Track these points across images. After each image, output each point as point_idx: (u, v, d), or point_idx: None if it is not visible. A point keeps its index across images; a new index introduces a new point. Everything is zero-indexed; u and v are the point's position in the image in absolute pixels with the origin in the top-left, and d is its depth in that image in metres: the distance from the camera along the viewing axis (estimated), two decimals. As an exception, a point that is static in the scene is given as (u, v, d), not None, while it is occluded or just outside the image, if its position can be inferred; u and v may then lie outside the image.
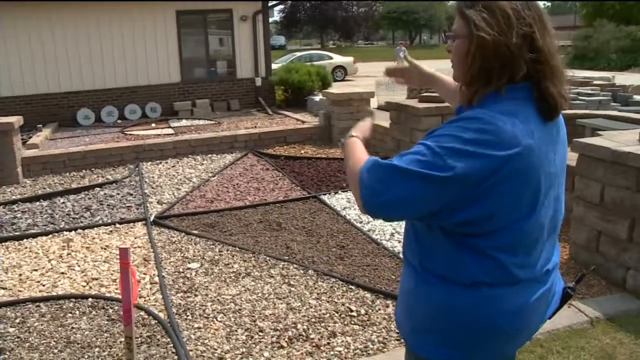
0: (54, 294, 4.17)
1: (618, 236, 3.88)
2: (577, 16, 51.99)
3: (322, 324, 3.57)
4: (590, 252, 4.15)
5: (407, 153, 1.40)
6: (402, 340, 3.32)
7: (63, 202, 6.61)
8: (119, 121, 12.89)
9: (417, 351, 1.61)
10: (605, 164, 3.93)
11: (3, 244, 5.28)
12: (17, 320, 3.75)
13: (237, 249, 4.91)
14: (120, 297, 4.03)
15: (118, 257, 4.78)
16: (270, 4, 14.79)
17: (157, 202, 6.49)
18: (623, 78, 19.03)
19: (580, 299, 3.71)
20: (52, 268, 4.67)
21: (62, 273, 4.56)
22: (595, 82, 15.11)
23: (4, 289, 4.27)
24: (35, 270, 4.64)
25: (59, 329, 3.64)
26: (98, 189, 7.19)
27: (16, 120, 7.77)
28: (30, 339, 3.51)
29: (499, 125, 1.35)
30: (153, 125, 12.17)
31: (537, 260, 1.52)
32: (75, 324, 3.70)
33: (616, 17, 36.25)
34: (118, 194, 6.91)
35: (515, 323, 1.51)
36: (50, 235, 5.47)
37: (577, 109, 10.55)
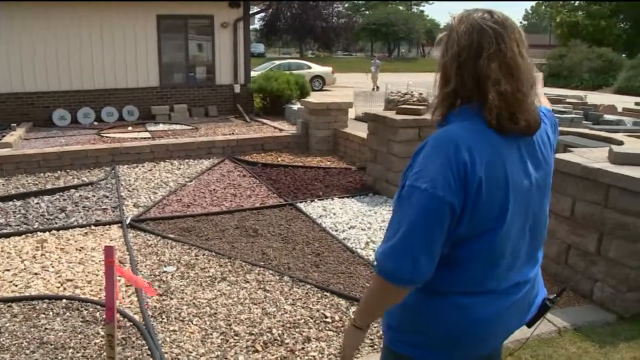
0: (27, 294, 4.14)
1: (587, 249, 4.00)
2: (552, 36, 53.03)
3: (297, 329, 3.61)
4: (559, 264, 4.26)
5: None
6: (376, 347, 3.38)
7: (37, 203, 6.55)
8: (96, 123, 12.80)
9: (393, 347, 1.69)
10: (576, 179, 4.05)
11: (-25, 243, 5.22)
12: (-11, 320, 3.72)
13: (214, 253, 4.93)
14: (95, 298, 4.03)
15: (93, 257, 4.77)
16: (251, 11, 14.85)
17: (134, 205, 6.46)
18: (595, 97, 19.49)
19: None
20: (25, 268, 4.63)
21: (36, 274, 4.52)
22: (568, 100, 15.45)
23: (-24, 288, 4.23)
24: (8, 270, 4.59)
25: (32, 329, 3.61)
26: (73, 190, 7.13)
27: (-9, 118, 7.68)
28: (1, 339, 3.48)
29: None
30: (130, 128, 12.11)
31: (507, 272, 1.59)
32: (49, 324, 3.68)
33: (589, 38, 37.17)
34: (94, 196, 6.86)
35: (482, 331, 1.60)
36: (24, 236, 5.42)
37: (550, 126, 10.77)
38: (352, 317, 1.65)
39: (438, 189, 1.42)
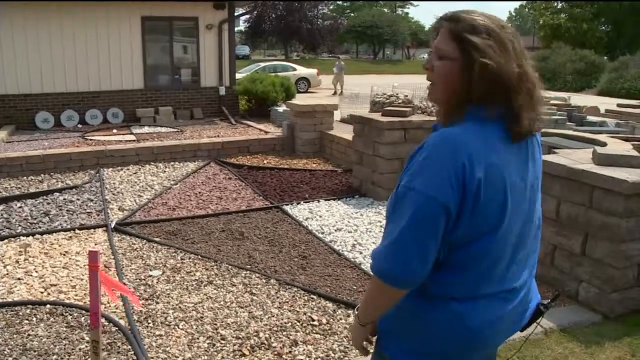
0: (10, 300, 4.09)
1: (572, 250, 4.02)
2: (535, 38, 53.50)
3: (284, 333, 3.60)
4: (545, 265, 4.28)
5: None
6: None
7: (20, 207, 6.47)
8: (80, 126, 12.70)
9: (386, 353, 1.67)
10: (561, 180, 4.07)
11: (-43, 248, 5.14)
12: (-28, 326, 3.66)
13: (199, 257, 4.90)
14: (79, 303, 3.99)
15: (78, 262, 4.72)
16: (236, 13, 14.81)
17: (118, 209, 6.41)
18: (578, 99, 19.67)
19: (535, 311, 3.83)
20: (7, 274, 4.57)
21: (19, 279, 4.46)
22: (552, 101, 15.56)
23: (-43, 293, 4.17)
24: (-10, 275, 4.53)
25: (15, 336, 3.56)
26: (57, 193, 7.05)
27: (-27, 121, 7.59)
28: (-15, 345, 3.44)
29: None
30: (114, 131, 12.03)
31: (503, 276, 1.58)
32: (32, 330, 3.63)
33: (572, 41, 37.56)
34: (78, 199, 6.80)
35: (478, 339, 1.58)
36: (6, 240, 5.35)
37: (534, 127, 10.85)
38: (356, 312, 1.68)
39: (433, 190, 1.42)
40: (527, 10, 66.34)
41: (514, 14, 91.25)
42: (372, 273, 1.53)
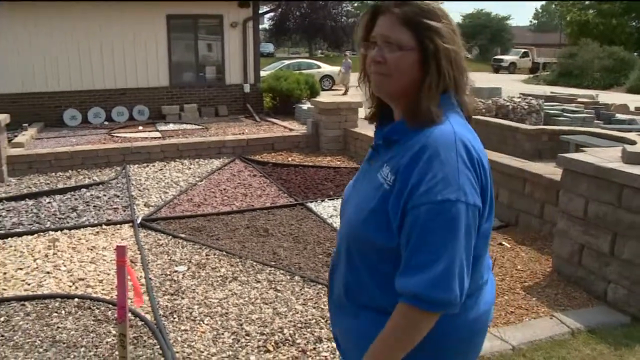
0: (40, 293, 4.16)
1: (600, 250, 3.96)
2: (562, 34, 52.75)
3: (309, 329, 3.60)
4: (572, 265, 4.23)
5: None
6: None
7: (49, 202, 6.58)
8: (106, 123, 12.86)
9: None
10: (589, 179, 4.01)
11: (-12, 242, 5.25)
12: (2, 319, 3.73)
13: (224, 253, 4.93)
14: (106, 297, 4.05)
15: (105, 257, 4.79)
16: (261, 11, 14.86)
17: (144, 205, 6.48)
18: (606, 97, 19.36)
19: (562, 310, 3.78)
20: (37, 267, 4.65)
21: (48, 272, 4.54)
22: (580, 99, 15.36)
23: (-12, 287, 4.25)
24: (20, 269, 4.61)
25: (44, 328, 3.63)
26: (84, 189, 7.16)
27: (3, 118, 7.73)
28: (14, 337, 3.50)
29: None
30: (140, 128, 12.16)
31: (487, 257, 1.59)
32: (61, 323, 3.69)
33: (600, 37, 36.91)
34: (105, 195, 6.89)
35: (487, 321, 1.58)
36: (36, 235, 5.44)
37: (562, 125, 10.72)
38: None
39: (468, 195, 1.32)
40: (553, 6, 65.37)
41: (540, 10, 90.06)
42: (419, 307, 1.33)
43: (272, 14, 43.09)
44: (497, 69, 45.33)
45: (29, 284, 4.32)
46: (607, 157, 4.14)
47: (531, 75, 38.38)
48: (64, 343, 3.43)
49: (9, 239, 5.34)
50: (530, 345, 3.33)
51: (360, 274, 1.50)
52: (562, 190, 4.37)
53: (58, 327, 3.63)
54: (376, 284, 1.47)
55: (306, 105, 13.23)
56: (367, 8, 1.51)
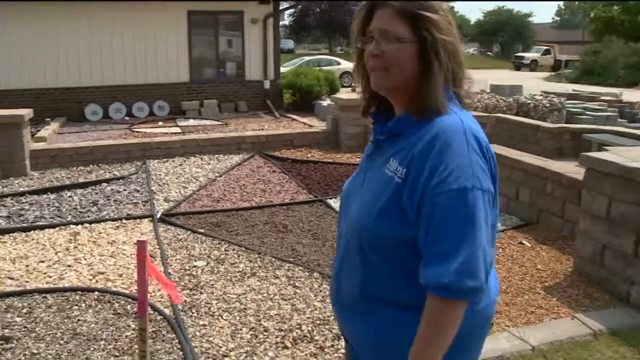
0: (61, 286, 4.20)
1: (624, 251, 3.90)
2: (585, 31, 52.06)
3: (327, 326, 3.59)
4: (594, 265, 4.17)
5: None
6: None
7: (70, 196, 6.65)
8: (127, 118, 12.95)
9: None
10: (613, 178, 3.95)
11: (11, 234, 5.31)
12: (24, 311, 3.78)
13: (243, 249, 4.94)
14: (125, 291, 4.08)
15: (124, 251, 4.82)
16: (281, 7, 14.86)
17: (164, 200, 6.52)
18: (630, 95, 19.05)
19: (583, 311, 3.73)
20: (58, 260, 4.70)
21: (69, 266, 4.59)
22: (603, 97, 15.15)
23: (11, 279, 4.31)
24: (42, 261, 4.67)
25: (65, 320, 3.67)
26: (105, 184, 7.22)
27: (26, 113, 7.82)
28: (36, 329, 3.54)
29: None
30: (160, 123, 12.23)
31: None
32: (82, 316, 3.72)
33: (625, 34, 36.34)
34: (125, 190, 6.94)
35: (495, 306, 1.59)
36: (57, 228, 5.50)
37: (584, 124, 10.58)
38: None
39: (482, 182, 1.34)
40: (577, 3, 64.55)
41: (563, 7, 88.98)
42: (449, 297, 1.32)
43: (292, 10, 43.09)
44: (518, 66, 44.90)
45: (50, 277, 4.37)
46: (631, 156, 4.07)
47: (553, 73, 37.94)
48: (84, 336, 3.47)
49: (32, 232, 5.40)
50: (551, 345, 3.29)
51: (378, 269, 1.49)
52: (584, 190, 4.31)
53: (78, 320, 3.67)
54: (396, 276, 1.46)
55: (326, 102, 13.21)
56: (363, 3, 1.51)
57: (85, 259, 4.73)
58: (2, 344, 3.35)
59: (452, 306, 1.32)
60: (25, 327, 3.57)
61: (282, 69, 15.77)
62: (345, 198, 1.67)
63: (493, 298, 1.55)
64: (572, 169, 5.28)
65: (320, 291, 4.10)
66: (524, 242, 5.08)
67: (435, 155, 1.34)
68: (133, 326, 3.58)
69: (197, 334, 3.52)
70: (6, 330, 3.51)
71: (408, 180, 1.37)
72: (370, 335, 1.54)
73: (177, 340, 3.41)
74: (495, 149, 6.29)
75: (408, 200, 1.37)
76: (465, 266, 1.29)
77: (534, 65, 44.42)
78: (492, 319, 1.58)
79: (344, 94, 12.30)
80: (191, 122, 12.43)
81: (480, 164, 1.35)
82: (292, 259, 4.70)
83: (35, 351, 3.28)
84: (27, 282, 4.27)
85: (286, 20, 53.18)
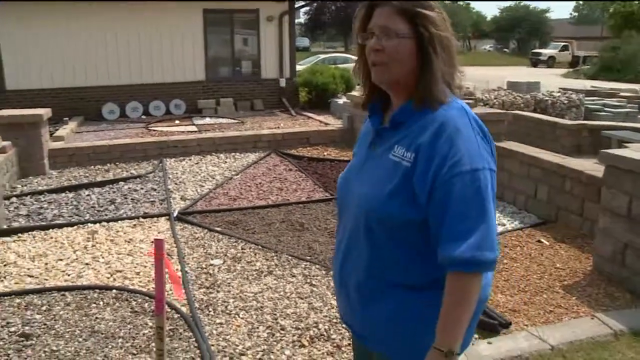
0: (79, 284, 4.23)
1: (645, 249, 3.85)
2: (604, 27, 51.43)
3: (344, 325, 3.58)
4: (615, 264, 4.12)
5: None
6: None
7: (88, 195, 6.70)
8: (143, 117, 13.02)
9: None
10: (634, 175, 3.89)
11: (30, 233, 5.36)
12: (44, 308, 3.82)
13: (260, 247, 4.94)
14: (143, 290, 4.10)
15: (142, 249, 4.84)
16: (296, 5, 14.85)
17: (181, 198, 6.55)
18: (650, 91, 18.77)
19: (603, 311, 3.68)
20: (77, 259, 4.74)
21: (87, 264, 4.62)
22: (622, 93, 14.96)
23: (30, 276, 4.35)
24: (61, 260, 4.71)
25: (84, 318, 3.69)
26: (122, 183, 7.27)
27: (45, 112, 7.89)
28: (56, 326, 3.57)
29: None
30: (177, 122, 12.28)
31: None
32: (100, 314, 3.75)
33: (645, 29, 35.82)
34: (142, 188, 6.98)
35: (489, 290, 1.66)
36: (76, 227, 5.54)
37: (603, 120, 10.46)
38: (447, 349, 1.43)
39: (490, 162, 1.47)
40: (595, -1, 63.76)
41: (581, 2, 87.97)
42: (472, 270, 1.40)
43: (307, 8, 43.06)
44: (536, 63, 44.50)
45: (69, 275, 4.40)
46: (652, 153, 4.01)
47: (571, 69, 37.54)
48: (102, 333, 3.49)
49: (51, 230, 5.45)
50: (570, 345, 3.25)
51: (387, 252, 1.55)
52: (604, 187, 4.25)
53: (97, 318, 3.69)
54: (407, 257, 1.53)
55: (342, 100, 13.18)
56: (364, 2, 1.60)
57: (102, 257, 4.76)
58: (22, 341, 3.38)
59: (476, 279, 1.42)
60: (44, 324, 3.60)
61: (298, 67, 15.76)
62: (344, 188, 1.74)
63: (489, 278, 1.62)
64: (591, 166, 5.22)
65: (337, 290, 4.09)
66: (542, 240, 5.03)
67: (446, 141, 1.44)
68: (150, 324, 3.60)
69: (214, 332, 3.52)
70: (26, 327, 3.54)
71: (418, 165, 1.46)
72: (380, 320, 1.59)
73: (194, 339, 3.42)
74: (512, 146, 6.24)
75: (419, 183, 1.46)
76: (483, 240, 1.39)
77: (551, 62, 43.99)
78: (487, 299, 1.66)
79: (360, 92, 12.27)
80: (207, 120, 12.47)
81: (484, 146, 1.48)
82: (308, 257, 4.70)
83: (54, 348, 3.31)
84: (46, 280, 4.31)
85: (302, 18, 53.23)
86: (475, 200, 1.41)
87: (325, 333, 3.49)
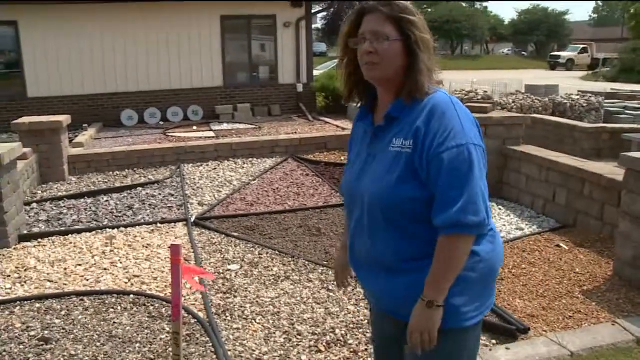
0: (97, 289, 4.27)
1: (666, 254, 3.79)
2: (624, 28, 50.86)
3: (360, 330, 3.57)
4: (636, 269, 4.06)
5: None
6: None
7: (106, 200, 6.76)
8: (162, 123, 13.14)
9: (467, 323, 1.75)
10: (655, 179, 3.84)
11: (50, 238, 5.42)
12: (63, 313, 3.85)
13: (277, 252, 4.95)
14: (160, 295, 4.11)
15: (159, 255, 4.87)
16: (313, 10, 14.90)
17: (198, 204, 6.58)
18: (672, 93, 18.51)
19: (625, 317, 3.63)
20: (95, 264, 4.78)
21: (105, 269, 4.66)
22: (642, 96, 14.77)
23: (50, 281, 4.40)
24: (80, 265, 4.75)
25: (102, 323, 3.72)
26: (140, 188, 7.33)
27: (65, 119, 7.99)
28: (74, 331, 3.60)
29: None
30: (195, 127, 12.36)
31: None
32: (117, 319, 3.77)
33: (666, 31, 35.37)
34: (160, 194, 7.03)
35: (502, 257, 1.89)
36: (94, 232, 5.59)
37: (623, 123, 10.33)
38: (429, 299, 1.67)
39: (474, 139, 1.67)
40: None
41: (600, 3, 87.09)
42: (457, 232, 1.63)
43: (324, 13, 43.17)
44: (554, 65, 44.14)
45: (87, 280, 4.44)
46: (674, 156, 3.95)
47: (590, 72, 37.17)
48: (120, 338, 3.51)
49: (70, 235, 5.50)
50: (591, 352, 3.21)
51: (408, 231, 1.73)
52: (624, 191, 4.20)
53: (114, 323, 3.72)
54: (427, 231, 1.70)
55: (359, 105, 13.17)
56: (354, 9, 1.81)
57: (120, 263, 4.80)
58: (42, 345, 3.42)
59: (461, 240, 1.64)
60: (63, 328, 3.64)
61: (315, 72, 15.79)
62: (352, 183, 1.88)
63: (499, 243, 1.84)
64: (611, 170, 5.15)
65: (354, 295, 4.08)
66: (561, 244, 4.98)
67: (436, 122, 1.66)
68: (168, 329, 3.61)
69: (231, 337, 3.53)
70: (46, 332, 3.58)
71: (417, 147, 1.67)
72: (400, 288, 1.77)
73: (210, 344, 3.42)
74: (531, 150, 6.19)
75: (419, 161, 1.67)
76: (467, 205, 1.61)
77: (570, 65, 43.61)
78: (502, 263, 1.88)
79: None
80: (225, 126, 12.54)
81: (469, 125, 1.68)
82: (325, 263, 4.69)
83: (73, 353, 3.34)
84: (65, 284, 4.36)
85: (318, 23, 53.20)
86: (460, 170, 1.62)
87: (342, 338, 3.48)
